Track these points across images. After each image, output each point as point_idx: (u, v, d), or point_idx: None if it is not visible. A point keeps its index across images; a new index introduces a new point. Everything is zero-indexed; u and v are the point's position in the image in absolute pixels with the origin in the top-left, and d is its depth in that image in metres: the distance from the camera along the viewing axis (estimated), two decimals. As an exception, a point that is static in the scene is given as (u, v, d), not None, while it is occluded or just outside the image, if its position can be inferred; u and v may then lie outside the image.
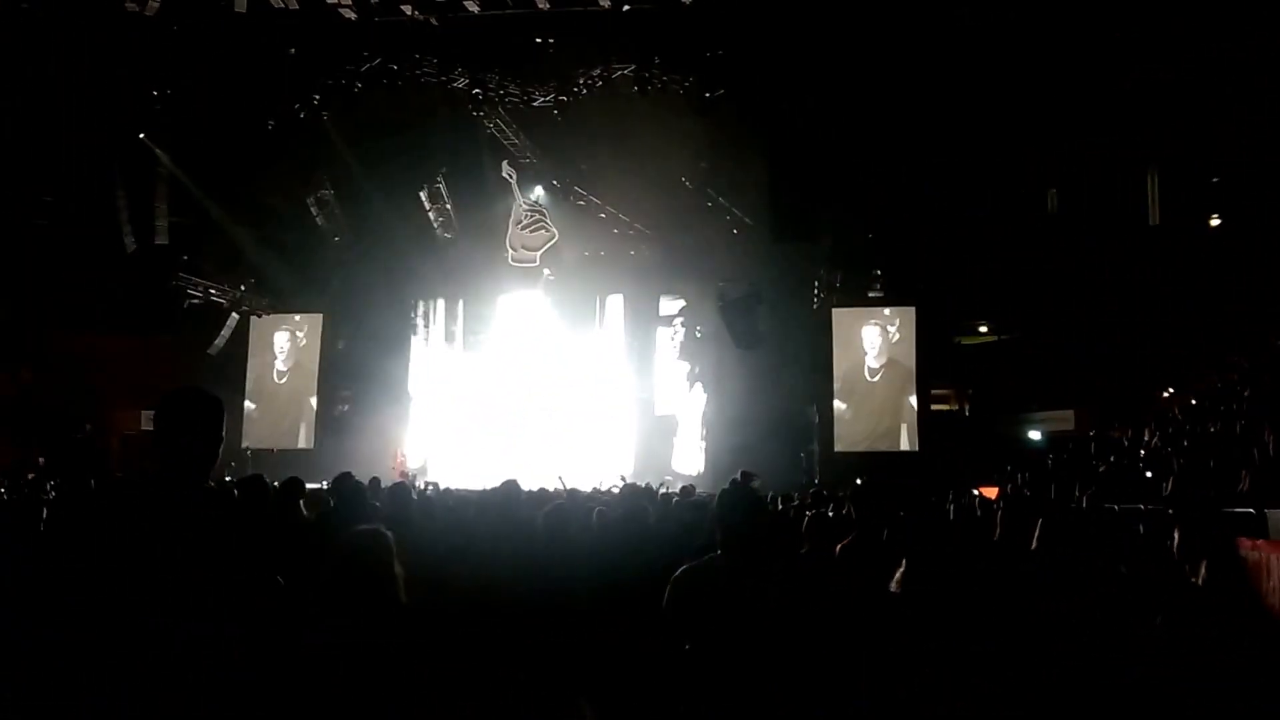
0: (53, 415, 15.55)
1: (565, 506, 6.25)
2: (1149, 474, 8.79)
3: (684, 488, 10.98)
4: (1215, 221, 15.11)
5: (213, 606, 2.78)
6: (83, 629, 2.68)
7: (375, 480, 7.95)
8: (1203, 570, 2.84)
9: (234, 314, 17.58)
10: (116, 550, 3.19)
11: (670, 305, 19.25)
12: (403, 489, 6.76)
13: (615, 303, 19.19)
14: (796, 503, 6.95)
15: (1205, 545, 2.91)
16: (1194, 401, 12.22)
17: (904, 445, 16.12)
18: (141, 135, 15.12)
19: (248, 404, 18.32)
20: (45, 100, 13.73)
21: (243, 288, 17.61)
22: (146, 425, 17.16)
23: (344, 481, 5.81)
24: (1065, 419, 15.45)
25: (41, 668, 2.54)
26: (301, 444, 18.00)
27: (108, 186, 15.26)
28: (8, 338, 16.25)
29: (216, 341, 17.21)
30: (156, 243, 15.66)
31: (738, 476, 5.00)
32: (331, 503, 5.78)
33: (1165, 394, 13.97)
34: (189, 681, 2.57)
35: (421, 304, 19.15)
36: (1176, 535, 3.30)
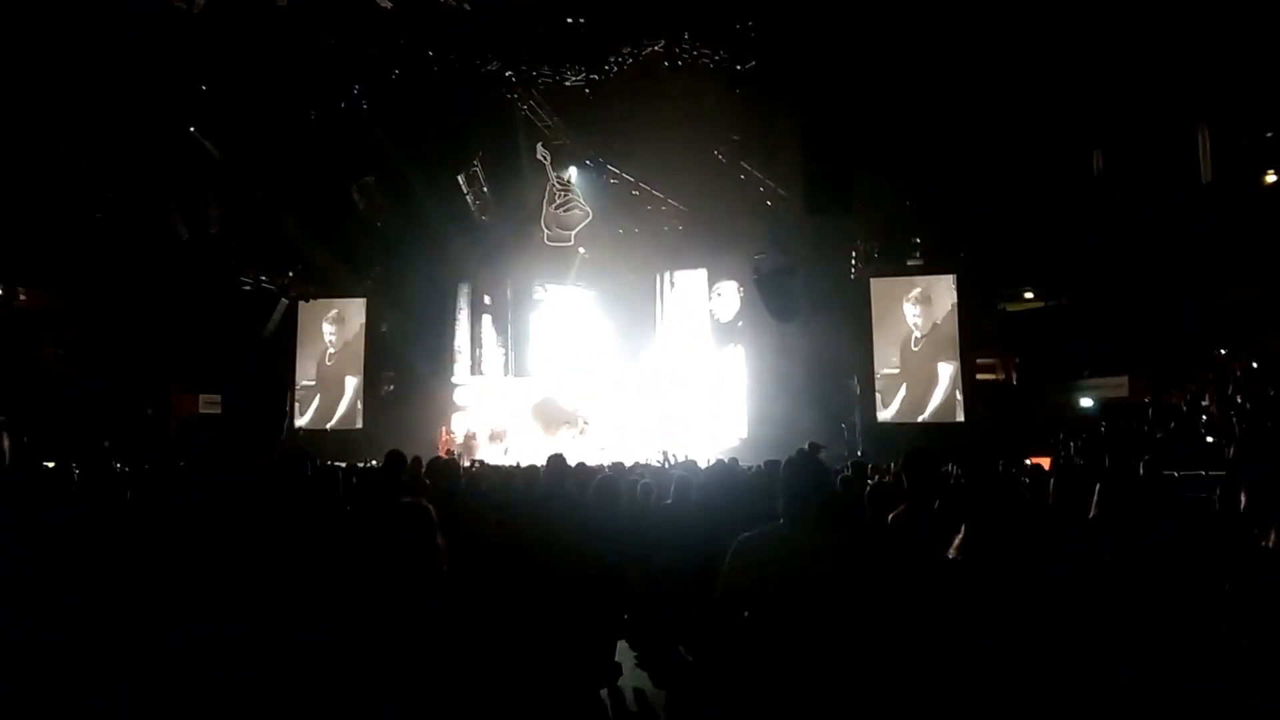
0: (116, 401, 16.02)
1: (614, 479, 6.30)
2: (1209, 439, 8.58)
3: (719, 461, 10.99)
4: (1271, 178, 14.61)
5: (213, 606, 2.85)
6: (83, 628, 2.75)
7: (438, 459, 8.01)
8: (1273, 536, 2.77)
9: (283, 299, 17.94)
10: (120, 550, 3.26)
11: (707, 279, 19.32)
12: (450, 465, 6.84)
13: (652, 278, 19.31)
14: (845, 473, 6.91)
15: (1276, 510, 2.83)
16: (1254, 364, 11.89)
17: (950, 415, 15.93)
18: (192, 129, 15.41)
19: (299, 386, 18.76)
20: (99, 96, 14.02)
21: (290, 274, 17.96)
22: (205, 408, 17.62)
23: (393, 459, 5.92)
24: (1119, 385, 15.13)
25: (42, 666, 2.61)
26: (351, 424, 18.35)
27: (161, 179, 15.60)
28: (72, 328, 16.73)
29: (267, 327, 17.59)
30: (209, 232, 16.02)
31: (805, 447, 4.96)
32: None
33: (1222, 355, 13.60)
34: (189, 680, 2.63)
35: (464, 287, 19.40)
36: (1244, 499, 3.23)
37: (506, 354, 19.78)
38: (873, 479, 6.90)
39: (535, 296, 20.04)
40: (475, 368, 19.46)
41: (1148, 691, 2.31)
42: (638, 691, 5.15)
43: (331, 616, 2.69)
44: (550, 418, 18.42)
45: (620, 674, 5.19)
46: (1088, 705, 2.36)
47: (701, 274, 18.97)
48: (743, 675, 2.62)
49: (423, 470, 6.75)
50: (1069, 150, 15.07)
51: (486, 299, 19.62)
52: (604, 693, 4.94)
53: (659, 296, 19.48)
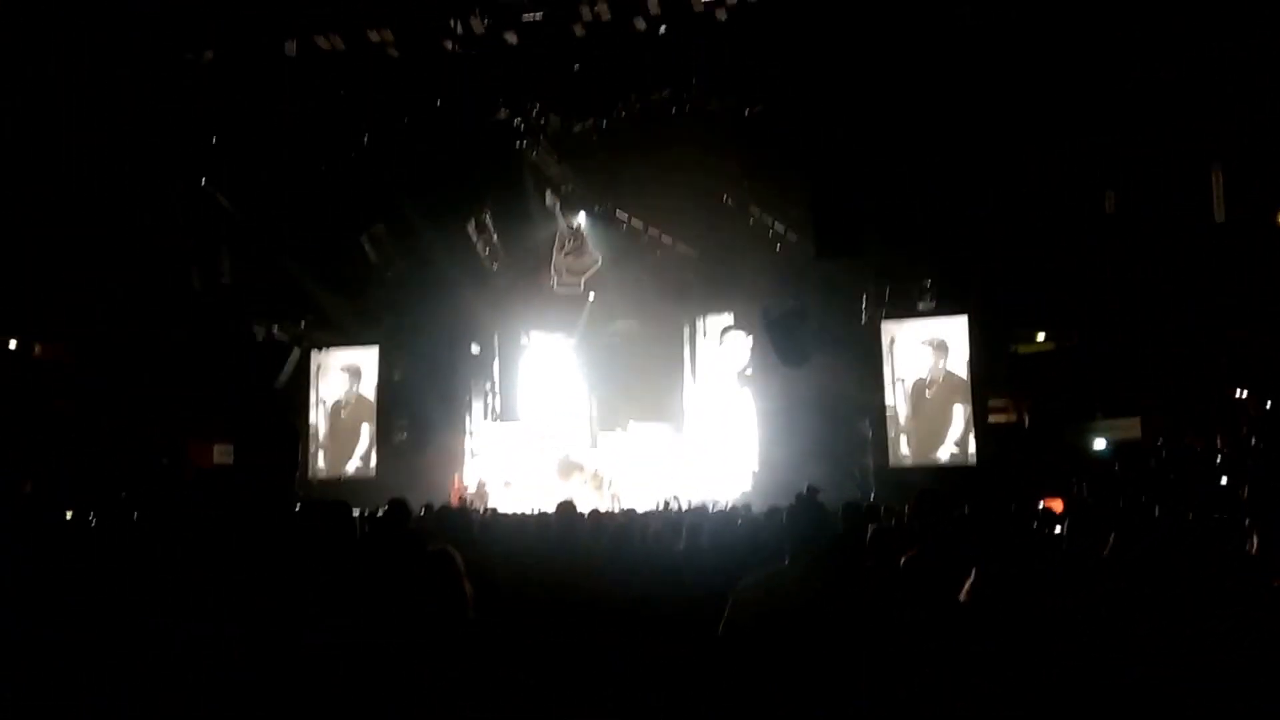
0: (132, 452, 16.11)
1: (627, 526, 6.30)
2: (1223, 480, 8.50)
3: (733, 507, 10.96)
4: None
5: (213, 607, 2.85)
6: (84, 628, 2.76)
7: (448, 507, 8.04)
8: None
9: (295, 349, 18.09)
10: (121, 553, 3.27)
11: (715, 324, 19.46)
12: (464, 513, 6.87)
13: (663, 323, 19.46)
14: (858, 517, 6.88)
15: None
16: (1269, 405, 11.79)
17: (962, 458, 15.81)
18: (203, 180, 15.70)
19: (313, 435, 18.82)
20: (108, 149, 14.32)
21: (303, 324, 18.13)
22: (219, 458, 17.71)
23: (396, 507, 5.94)
24: (1131, 427, 15.00)
25: (42, 666, 2.62)
26: (364, 473, 18.34)
27: (174, 234, 15.85)
28: (86, 380, 16.88)
29: (280, 377, 17.71)
30: (221, 283, 16.23)
31: (804, 491, 4.98)
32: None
33: (1238, 398, 13.47)
34: (189, 681, 2.63)
35: (474, 335, 19.57)
36: (1255, 540, 3.21)
37: (500, 400, 19.89)
38: (885, 522, 6.84)
39: (540, 344, 20.24)
40: (489, 414, 19.57)
41: (1148, 691, 2.29)
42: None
43: (349, 656, 2.68)
44: (563, 466, 18.41)
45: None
46: (1088, 706, 2.33)
47: (723, 318, 19.12)
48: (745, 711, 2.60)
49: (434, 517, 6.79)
50: (1081, 190, 15.12)
51: (475, 347, 19.74)
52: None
53: (687, 342, 19.57)
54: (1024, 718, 2.33)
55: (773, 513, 8.14)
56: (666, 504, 13.57)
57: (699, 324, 19.49)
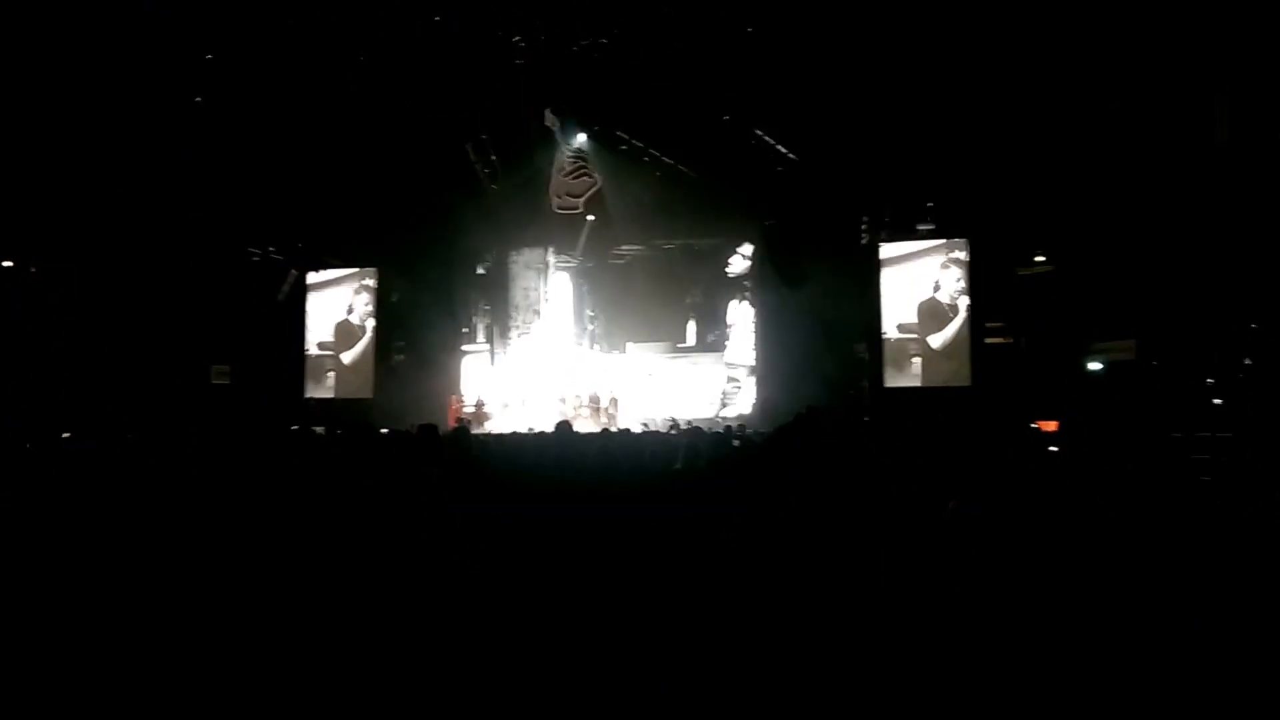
0: (130, 372, 16.17)
1: (611, 449, 6.38)
2: (1217, 401, 8.58)
3: (727, 428, 11.12)
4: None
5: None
6: (85, 623, 2.80)
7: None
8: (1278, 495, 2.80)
9: (293, 271, 17.98)
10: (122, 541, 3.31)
11: (713, 246, 19.39)
12: (464, 433, 6.97)
13: (665, 245, 19.36)
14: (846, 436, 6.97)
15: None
16: (1253, 325, 11.81)
17: (958, 380, 15.93)
18: (198, 99, 15.37)
19: (309, 355, 18.87)
20: (104, 68, 13.99)
21: (300, 244, 17.99)
22: (216, 379, 17.79)
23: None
24: (1127, 348, 15.05)
25: (42, 662, 2.65)
26: (362, 393, 18.45)
27: (169, 152, 15.60)
28: (84, 302, 16.84)
29: (277, 297, 17.65)
30: (218, 204, 16.06)
31: (803, 411, 5.06)
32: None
33: (1232, 321, 13.48)
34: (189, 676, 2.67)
35: (472, 255, 19.48)
36: (1250, 460, 3.26)
37: (498, 322, 19.92)
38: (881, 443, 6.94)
39: (539, 266, 20.15)
40: (480, 336, 19.63)
41: (1147, 688, 2.34)
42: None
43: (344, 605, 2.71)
44: (561, 388, 18.56)
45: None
46: (1086, 699, 2.39)
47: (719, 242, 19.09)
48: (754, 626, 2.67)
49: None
50: (1082, 110, 14.87)
51: (480, 268, 19.66)
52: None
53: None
54: (1005, 629, 2.41)
55: (774, 433, 8.25)
56: (674, 426, 13.75)
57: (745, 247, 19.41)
